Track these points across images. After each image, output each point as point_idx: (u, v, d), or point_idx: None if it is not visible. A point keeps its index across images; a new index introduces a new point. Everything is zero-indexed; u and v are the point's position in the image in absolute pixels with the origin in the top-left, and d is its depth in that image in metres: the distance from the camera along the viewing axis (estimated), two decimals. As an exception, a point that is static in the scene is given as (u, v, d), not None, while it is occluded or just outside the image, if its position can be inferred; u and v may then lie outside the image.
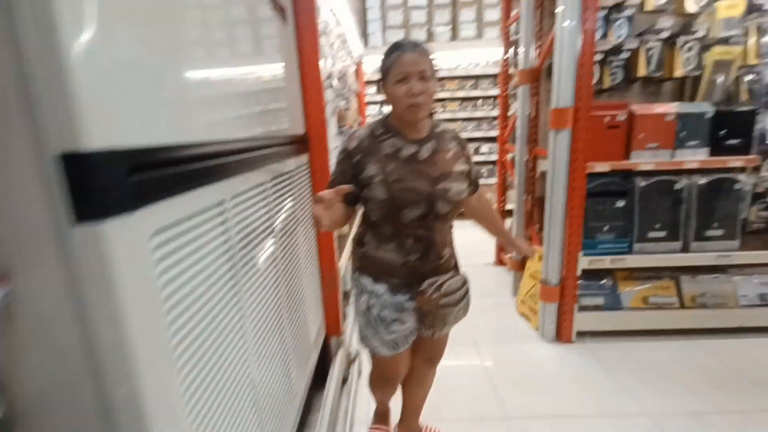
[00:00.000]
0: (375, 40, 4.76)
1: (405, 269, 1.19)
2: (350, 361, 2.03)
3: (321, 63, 2.12)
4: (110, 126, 0.51)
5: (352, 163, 1.14)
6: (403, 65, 1.06)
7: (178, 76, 0.69)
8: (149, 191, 0.56)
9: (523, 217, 2.84)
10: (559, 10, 1.92)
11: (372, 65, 4.98)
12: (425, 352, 1.39)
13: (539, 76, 2.53)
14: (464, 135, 5.05)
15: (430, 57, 1.09)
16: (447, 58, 4.96)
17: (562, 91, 1.99)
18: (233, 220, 0.86)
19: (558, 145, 2.05)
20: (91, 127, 0.47)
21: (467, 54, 4.87)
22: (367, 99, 4.94)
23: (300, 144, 1.61)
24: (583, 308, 2.28)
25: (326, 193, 0.97)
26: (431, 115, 1.21)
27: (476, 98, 4.97)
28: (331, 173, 1.29)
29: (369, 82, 4.97)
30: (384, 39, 4.75)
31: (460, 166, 1.19)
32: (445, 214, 1.16)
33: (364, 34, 4.74)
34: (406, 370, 1.39)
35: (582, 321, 2.27)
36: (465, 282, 1.25)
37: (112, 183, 0.50)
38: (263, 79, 1.16)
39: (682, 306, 2.27)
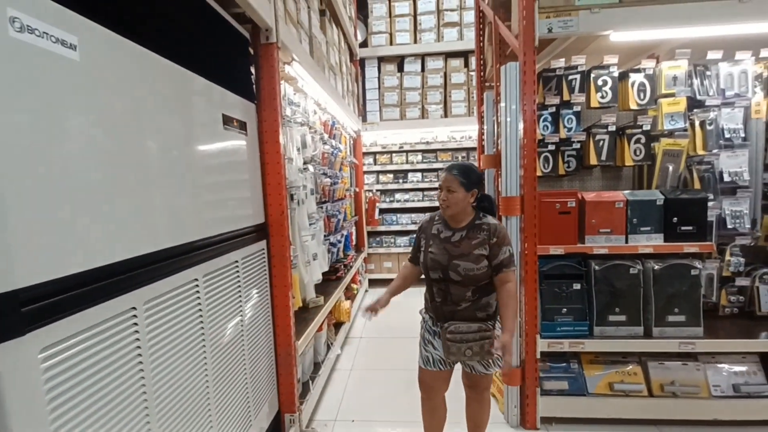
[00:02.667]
0: (373, 117, 5.18)
1: (433, 307, 1.74)
2: (304, 441, 2.05)
3: (295, 155, 2.38)
4: (10, 274, 0.68)
5: (418, 237, 1.81)
6: (441, 181, 1.67)
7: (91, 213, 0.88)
8: (39, 317, 0.72)
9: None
10: (502, 116, 2.15)
11: (370, 139, 5.36)
12: (466, 379, 1.84)
13: (500, 162, 2.71)
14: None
15: (460, 176, 1.63)
16: (440, 133, 5.31)
17: (509, 181, 2.16)
18: (147, 321, 1.01)
19: (509, 230, 2.17)
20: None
21: (459, 129, 5.19)
22: (364, 169, 5.26)
23: (258, 232, 1.80)
24: (546, 392, 2.24)
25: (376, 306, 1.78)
26: (478, 212, 1.72)
27: (468, 169, 5.21)
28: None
29: (366, 154, 5.32)
30: (381, 116, 5.16)
31: (479, 251, 1.63)
32: (457, 281, 1.63)
33: (363, 112, 5.18)
34: (439, 391, 1.81)
35: (547, 406, 2.23)
36: (478, 330, 1.63)
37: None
38: (217, 183, 1.37)
39: (651, 394, 2.21)
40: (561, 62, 2.33)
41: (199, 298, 1.25)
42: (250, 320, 1.68)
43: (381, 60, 5.19)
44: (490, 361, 1.70)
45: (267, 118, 1.85)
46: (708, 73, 2.42)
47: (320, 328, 2.72)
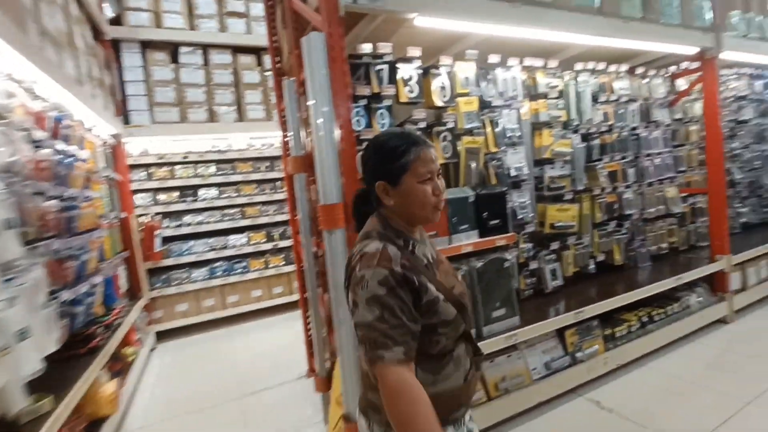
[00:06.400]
0: (140, 118, 3.95)
1: (466, 386, 1.00)
2: None
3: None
4: None
5: (411, 290, 0.91)
6: (427, 163, 0.97)
7: None
8: None
9: (323, 320, 2.40)
10: (310, 102, 1.68)
11: (139, 147, 4.10)
12: None
13: (312, 164, 2.27)
14: (266, 220, 4.56)
15: None
16: (236, 140, 4.53)
17: (327, 185, 1.70)
18: None
19: (334, 249, 1.71)
20: None
21: (258, 135, 4.54)
22: (134, 186, 3.96)
23: None
24: None
25: None
26: None
27: (274, 180, 4.61)
28: (373, 323, 0.87)
29: (135, 166, 4.03)
30: (152, 117, 3.99)
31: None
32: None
33: (124, 110, 3.89)
34: None
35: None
36: None
37: None
38: None
39: (489, 398, 2.14)
40: (368, 47, 2.04)
41: None
42: None
43: (146, 45, 4.02)
44: None
45: None
46: (489, 76, 2.60)
47: (47, 451, 1.61)
